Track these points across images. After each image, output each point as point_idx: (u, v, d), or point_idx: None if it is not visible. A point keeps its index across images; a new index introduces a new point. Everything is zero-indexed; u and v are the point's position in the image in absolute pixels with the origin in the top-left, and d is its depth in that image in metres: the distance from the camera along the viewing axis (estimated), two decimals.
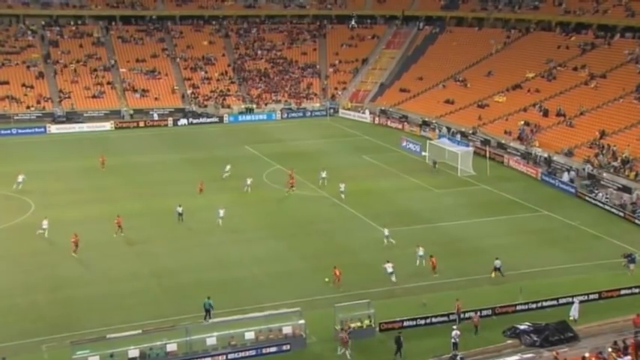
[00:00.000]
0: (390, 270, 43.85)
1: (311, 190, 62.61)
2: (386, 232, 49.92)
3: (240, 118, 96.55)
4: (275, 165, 71.25)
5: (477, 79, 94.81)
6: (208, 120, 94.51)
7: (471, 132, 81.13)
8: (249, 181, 61.81)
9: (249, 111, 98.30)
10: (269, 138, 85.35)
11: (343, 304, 38.37)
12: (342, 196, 59.61)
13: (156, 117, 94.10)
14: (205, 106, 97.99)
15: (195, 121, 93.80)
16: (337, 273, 43.14)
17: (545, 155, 70.60)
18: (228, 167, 66.54)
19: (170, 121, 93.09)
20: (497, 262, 44.78)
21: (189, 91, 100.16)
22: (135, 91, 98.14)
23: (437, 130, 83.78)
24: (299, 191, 61.81)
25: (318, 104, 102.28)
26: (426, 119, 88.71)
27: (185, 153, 76.93)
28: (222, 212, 52.85)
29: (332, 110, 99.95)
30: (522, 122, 78.32)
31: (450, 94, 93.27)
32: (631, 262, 46.24)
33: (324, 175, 64.28)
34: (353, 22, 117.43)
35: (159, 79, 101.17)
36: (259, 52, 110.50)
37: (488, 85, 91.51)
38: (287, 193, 61.05)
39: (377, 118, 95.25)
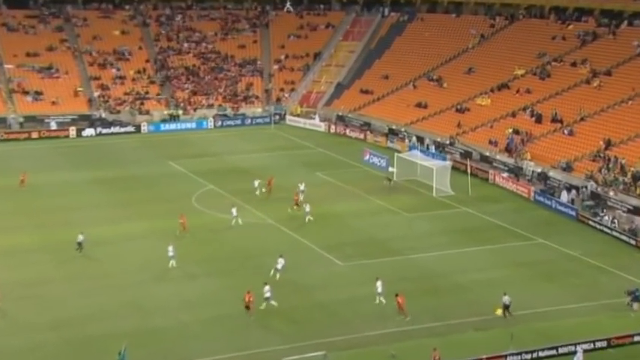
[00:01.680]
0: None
1: (254, 215, 62.61)
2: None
3: (162, 126, 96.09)
4: (207, 185, 71.00)
5: (455, 77, 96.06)
6: (122, 130, 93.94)
7: (448, 142, 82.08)
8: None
9: (174, 118, 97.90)
10: (199, 151, 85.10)
11: (293, 358, 38.35)
12: (308, 214, 61.05)
13: (54, 126, 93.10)
14: (118, 112, 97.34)
15: (105, 130, 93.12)
16: (248, 299, 44.34)
17: (539, 170, 71.72)
18: (257, 183, 67.83)
19: (73, 131, 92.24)
20: (506, 299, 45.19)
21: (96, 94, 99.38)
22: (26, 93, 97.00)
23: (407, 141, 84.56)
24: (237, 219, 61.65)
25: (260, 109, 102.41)
26: (394, 127, 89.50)
27: (93, 171, 76.21)
28: (171, 250, 52.39)
29: (277, 117, 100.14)
30: (511, 130, 79.49)
31: (423, 97, 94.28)
32: (635, 299, 46.94)
33: (302, 187, 65.67)
34: (288, 6, 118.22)
35: (57, 79, 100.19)
36: (186, 44, 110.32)
37: (469, 85, 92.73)
38: (292, 210, 62.60)
39: (333, 127, 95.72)
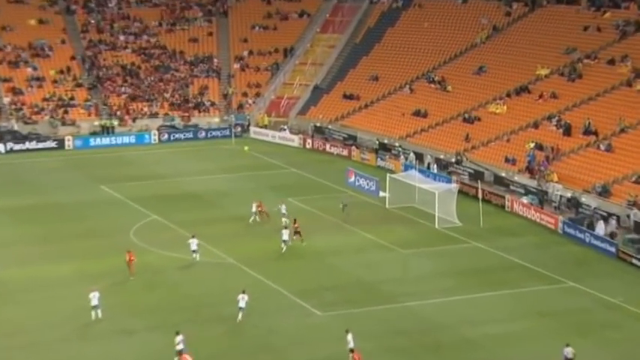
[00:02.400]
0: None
1: (211, 253, 62.43)
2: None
3: (92, 141, 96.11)
4: (150, 215, 70.90)
5: (462, 78, 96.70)
6: (40, 145, 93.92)
7: (454, 160, 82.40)
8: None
9: (108, 130, 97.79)
10: (140, 173, 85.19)
11: None
12: (287, 243, 61.78)
13: None
14: (35, 124, 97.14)
15: (17, 146, 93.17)
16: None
17: (569, 195, 72.06)
18: (254, 206, 69.24)
19: None
20: (569, 351, 44.89)
21: (6, 100, 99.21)
22: None
23: (402, 158, 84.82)
24: (189, 257, 61.47)
25: (217, 119, 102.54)
26: (385, 141, 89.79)
27: (1, 198, 76.04)
28: (96, 298, 51.64)
29: (239, 128, 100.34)
30: (532, 144, 79.95)
31: (422, 103, 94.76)
32: None
33: (284, 210, 66.76)
34: None
35: None
36: (122, 37, 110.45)
37: (479, 89, 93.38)
38: (300, 241, 63.73)
39: (309, 141, 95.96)
